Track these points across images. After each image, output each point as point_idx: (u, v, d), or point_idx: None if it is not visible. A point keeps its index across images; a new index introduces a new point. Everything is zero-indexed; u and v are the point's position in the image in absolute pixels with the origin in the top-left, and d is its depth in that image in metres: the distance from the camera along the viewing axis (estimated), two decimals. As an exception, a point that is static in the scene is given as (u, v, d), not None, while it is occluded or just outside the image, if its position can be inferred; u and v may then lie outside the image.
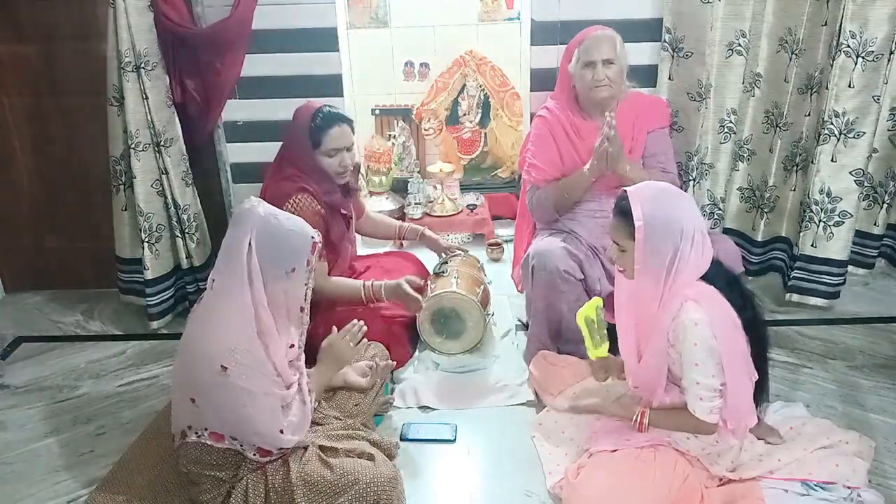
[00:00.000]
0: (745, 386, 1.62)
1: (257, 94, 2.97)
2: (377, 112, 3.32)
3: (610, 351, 1.87)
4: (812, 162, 2.56)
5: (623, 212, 1.63)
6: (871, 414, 2.06)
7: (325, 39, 2.94)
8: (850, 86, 2.44)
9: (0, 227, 3.00)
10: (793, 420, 1.93)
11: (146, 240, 2.63)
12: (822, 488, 1.69)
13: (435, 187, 3.25)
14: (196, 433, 1.60)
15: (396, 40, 3.21)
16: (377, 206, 3.24)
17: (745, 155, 2.80)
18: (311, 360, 1.89)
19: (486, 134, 3.37)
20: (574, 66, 2.28)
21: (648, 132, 2.35)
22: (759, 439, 1.78)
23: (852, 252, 2.69)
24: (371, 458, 1.68)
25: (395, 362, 2.13)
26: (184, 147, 2.67)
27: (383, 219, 2.72)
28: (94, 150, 2.76)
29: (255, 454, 1.62)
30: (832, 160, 2.52)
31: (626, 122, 2.29)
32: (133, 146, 2.52)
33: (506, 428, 2.06)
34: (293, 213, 2.07)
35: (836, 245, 2.59)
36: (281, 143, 2.30)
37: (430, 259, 2.69)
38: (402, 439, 2.00)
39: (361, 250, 2.68)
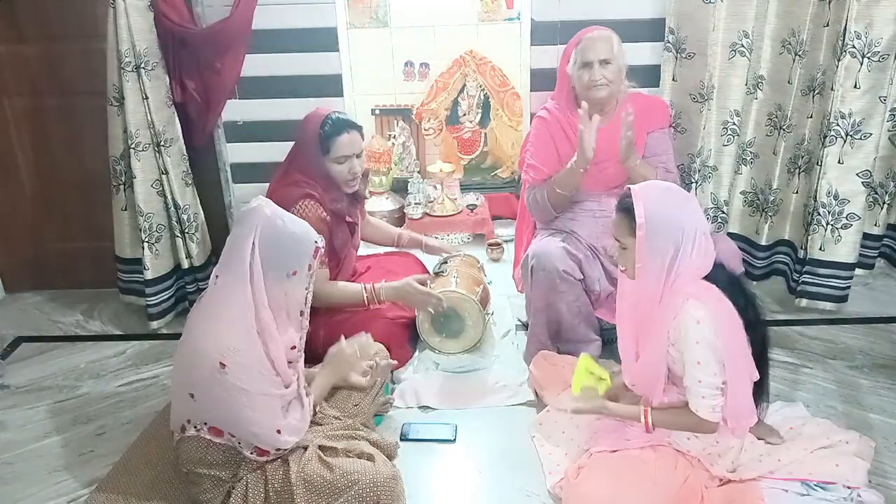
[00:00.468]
0: (746, 384, 1.62)
1: (257, 94, 2.97)
2: (377, 112, 3.32)
3: (610, 352, 1.87)
4: (818, 164, 2.54)
5: (626, 209, 1.63)
6: (871, 414, 2.06)
7: (325, 39, 2.95)
8: (855, 87, 2.43)
9: (0, 227, 3.00)
10: (793, 420, 1.93)
11: (146, 240, 2.63)
12: (822, 488, 1.69)
13: (435, 187, 3.25)
14: (195, 427, 1.60)
15: (396, 40, 3.21)
16: (377, 206, 3.25)
17: (748, 158, 2.78)
18: (310, 361, 1.89)
19: (486, 134, 3.38)
20: (572, 66, 2.28)
21: (648, 132, 2.34)
22: (759, 439, 1.78)
23: (852, 252, 2.69)
24: (371, 458, 1.68)
25: (395, 362, 2.14)
26: (184, 147, 2.67)
27: (383, 225, 2.73)
28: (94, 150, 2.76)
29: (252, 453, 1.62)
30: (839, 162, 2.51)
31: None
32: (133, 146, 2.52)
33: (506, 428, 2.06)
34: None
35: (844, 248, 2.58)
36: (281, 142, 2.30)
37: (430, 259, 2.69)
38: (402, 439, 2.00)
39: (361, 250, 2.68)
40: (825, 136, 2.50)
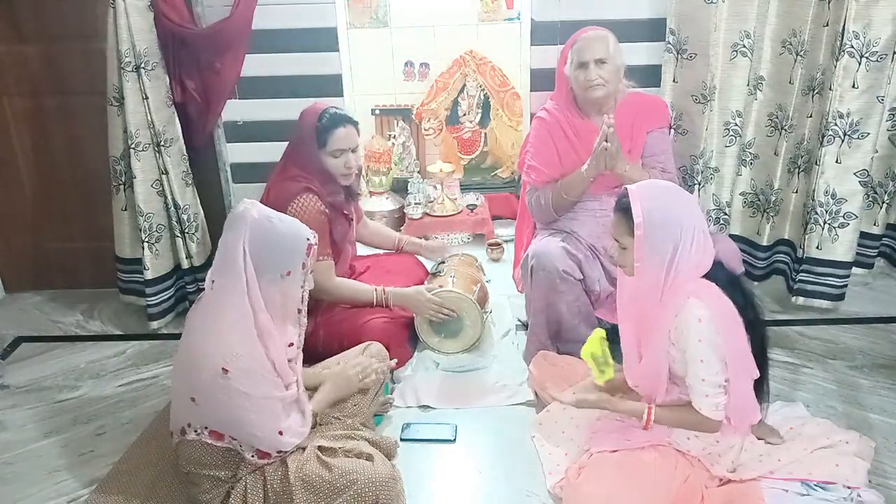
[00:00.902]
0: (748, 382, 1.62)
1: (257, 94, 2.97)
2: (377, 112, 3.32)
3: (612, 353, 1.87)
4: (816, 163, 2.54)
5: (624, 209, 1.63)
6: (871, 414, 2.06)
7: (325, 39, 2.95)
8: (853, 86, 2.43)
9: (0, 227, 3.00)
10: (793, 420, 1.93)
11: (146, 240, 2.63)
12: (822, 488, 1.69)
13: (435, 187, 3.25)
14: (196, 431, 1.60)
15: (396, 40, 3.21)
16: (377, 206, 3.25)
17: (749, 159, 2.78)
18: (310, 361, 1.89)
19: (486, 134, 3.38)
20: (569, 67, 2.28)
21: (648, 132, 2.34)
22: (759, 439, 1.78)
23: (851, 252, 2.69)
24: (370, 458, 1.67)
25: (395, 362, 2.14)
26: (184, 147, 2.67)
27: (382, 229, 2.74)
28: (94, 150, 2.76)
29: (253, 455, 1.62)
30: (837, 161, 2.51)
31: (625, 123, 2.28)
32: (133, 146, 2.52)
33: (506, 428, 2.06)
34: (297, 213, 2.10)
35: (842, 247, 2.58)
36: (281, 142, 2.31)
37: (430, 259, 2.69)
38: (402, 439, 2.00)
39: (360, 251, 2.68)
40: (823, 136, 2.50)
